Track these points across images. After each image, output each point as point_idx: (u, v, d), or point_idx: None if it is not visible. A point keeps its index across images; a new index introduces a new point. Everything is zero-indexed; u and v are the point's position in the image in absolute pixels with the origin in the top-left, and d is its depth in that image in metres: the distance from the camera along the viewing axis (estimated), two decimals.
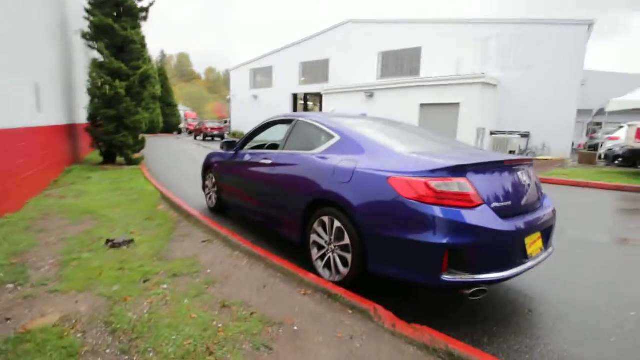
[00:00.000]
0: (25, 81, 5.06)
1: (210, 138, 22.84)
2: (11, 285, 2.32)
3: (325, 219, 2.62)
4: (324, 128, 2.97)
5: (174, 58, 75.87)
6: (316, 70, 22.18)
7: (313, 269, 2.74)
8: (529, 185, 2.44)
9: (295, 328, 1.99)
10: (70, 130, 7.65)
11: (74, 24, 8.07)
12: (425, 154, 2.39)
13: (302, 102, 25.25)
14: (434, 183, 2.04)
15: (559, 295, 2.66)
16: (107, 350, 1.71)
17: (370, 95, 16.87)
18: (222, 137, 23.30)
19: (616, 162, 10.34)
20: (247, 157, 3.82)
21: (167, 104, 28.97)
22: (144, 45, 8.23)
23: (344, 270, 2.50)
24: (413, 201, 2.06)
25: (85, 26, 7.66)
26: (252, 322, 2.00)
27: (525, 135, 14.16)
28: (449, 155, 2.39)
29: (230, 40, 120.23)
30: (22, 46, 4.88)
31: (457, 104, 13.89)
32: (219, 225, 3.84)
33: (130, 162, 8.44)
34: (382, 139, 2.67)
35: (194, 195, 5.56)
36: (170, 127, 29.27)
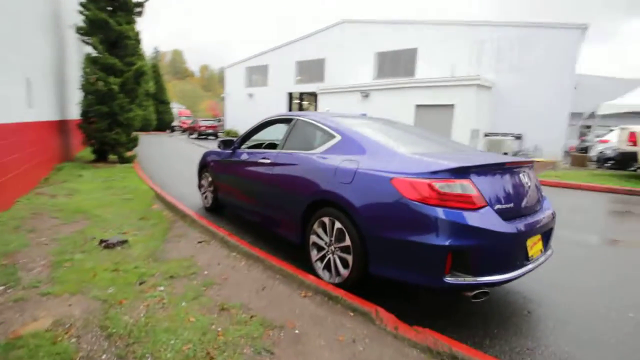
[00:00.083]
0: (17, 76, 4.92)
1: (204, 136, 22.64)
2: (1, 288, 2.24)
3: (326, 219, 2.58)
4: (325, 128, 2.93)
5: (167, 55, 75.01)
6: (312, 69, 22.13)
7: (312, 271, 2.70)
8: (529, 187, 2.44)
9: (297, 331, 1.95)
10: (61, 126, 7.49)
11: (67, 18, 7.90)
12: (427, 155, 2.38)
13: (298, 102, 25.16)
14: (437, 184, 2.02)
15: (556, 296, 2.67)
16: (103, 356, 1.65)
17: (365, 95, 16.88)
18: (216, 136, 23.12)
19: (607, 164, 10.50)
20: (245, 156, 3.77)
21: (160, 101, 28.65)
22: (138, 41, 8.09)
23: (344, 272, 2.47)
24: (416, 202, 2.04)
25: (79, 20, 7.50)
26: (252, 326, 1.96)
27: (518, 137, 14.31)
28: (451, 157, 2.37)
29: (225, 38, 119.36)
30: (13, 40, 4.75)
31: (452, 106, 13.98)
32: (216, 225, 3.78)
33: (123, 160, 8.31)
34: (384, 139, 2.65)
35: (188, 194, 5.49)
36: (163, 125, 28.95)
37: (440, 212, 1.98)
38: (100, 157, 8.35)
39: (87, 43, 7.54)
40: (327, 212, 2.57)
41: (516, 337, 2.12)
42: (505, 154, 12.76)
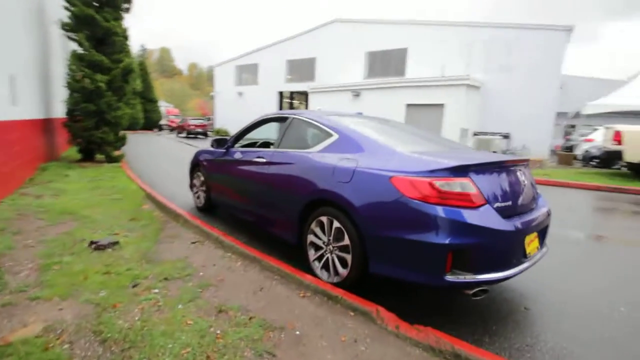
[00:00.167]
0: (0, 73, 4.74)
1: (193, 135, 22.33)
2: None
3: (324, 219, 2.56)
4: (322, 126, 2.90)
5: (155, 52, 73.64)
6: (302, 68, 22.03)
7: (310, 270, 2.67)
8: (526, 185, 2.46)
9: (297, 332, 1.92)
10: (46, 125, 7.25)
11: (52, 14, 7.64)
12: (426, 153, 2.37)
13: (288, 101, 25.03)
14: (438, 183, 2.02)
15: (550, 292, 2.70)
16: None
17: (357, 94, 16.90)
18: (206, 135, 22.84)
19: (592, 163, 10.77)
20: (239, 155, 3.71)
21: (148, 99, 28.14)
22: (126, 38, 7.88)
23: (342, 272, 2.45)
24: (417, 201, 2.03)
25: (64, 16, 7.27)
26: (251, 328, 1.92)
27: (506, 137, 14.55)
28: (450, 155, 2.37)
29: (214, 36, 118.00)
30: None
31: (442, 105, 14.12)
32: (209, 225, 3.72)
33: (111, 159, 8.10)
34: (382, 138, 2.64)
35: (179, 194, 5.38)
36: (151, 123, 28.46)
37: (441, 211, 1.97)
38: (87, 156, 8.13)
39: (73, 39, 7.31)
40: (325, 212, 2.55)
41: (515, 334, 2.14)
42: (494, 152, 12.96)
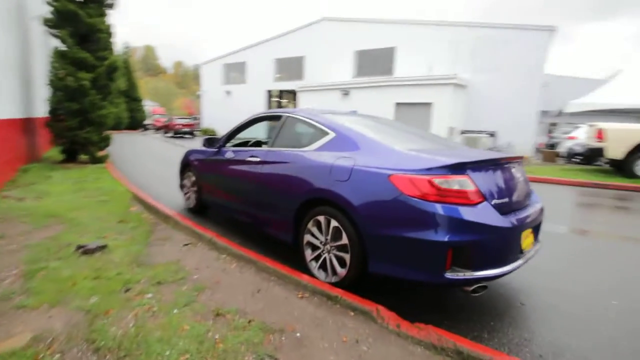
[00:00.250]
0: None
1: (180, 135, 21.95)
2: None
3: (321, 218, 2.53)
4: (317, 124, 2.87)
5: (139, 50, 71.92)
6: (291, 67, 21.92)
7: (307, 270, 2.64)
8: (520, 181, 2.49)
9: (298, 334, 1.89)
10: (27, 125, 6.97)
11: (33, 10, 7.34)
12: (423, 151, 2.37)
13: (277, 99, 24.87)
14: (437, 180, 2.01)
15: (544, 286, 2.75)
16: None
17: (346, 93, 16.93)
18: (193, 134, 22.50)
19: (575, 159, 11.08)
20: (232, 155, 3.64)
21: (133, 98, 27.52)
22: (110, 35, 7.65)
23: (341, 271, 2.43)
24: (417, 199, 2.02)
25: (46, 12, 6.98)
26: (251, 331, 1.87)
27: (492, 135, 14.83)
28: (447, 153, 2.38)
29: (200, 34, 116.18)
30: None
31: (430, 104, 14.29)
32: (201, 226, 3.64)
33: (95, 160, 7.87)
34: (378, 136, 2.62)
35: (168, 195, 5.26)
36: (136, 123, 27.84)
37: (440, 209, 1.97)
38: (70, 157, 7.86)
39: (56, 36, 7.05)
40: (323, 211, 2.52)
41: (512, 329, 2.16)
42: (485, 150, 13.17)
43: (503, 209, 2.16)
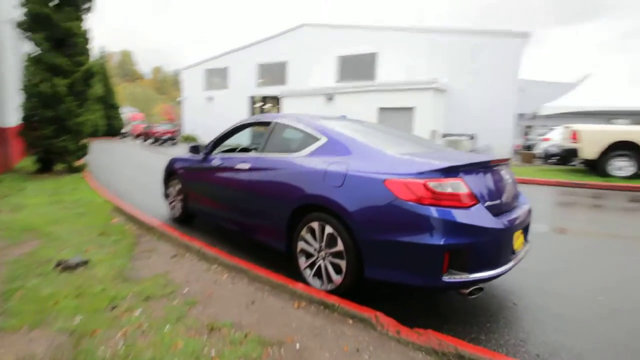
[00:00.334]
0: None
1: (160, 142, 21.43)
2: None
3: (315, 225, 2.49)
4: (308, 130, 2.84)
5: (115, 55, 69.97)
6: (274, 72, 21.86)
7: (301, 279, 2.59)
8: (509, 183, 2.54)
9: (297, 346, 1.84)
10: None
11: (3, 13, 7.00)
12: (416, 155, 2.39)
13: (260, 105, 24.71)
14: (432, 184, 2.02)
15: (533, 285, 2.81)
16: None
17: (330, 98, 17.01)
18: (174, 141, 22.01)
19: (551, 160, 11.52)
20: (219, 162, 3.55)
21: (110, 105, 26.73)
22: (87, 39, 7.39)
23: (336, 278, 2.40)
24: (412, 203, 2.02)
25: (18, 15, 6.66)
26: (248, 345, 1.81)
27: (472, 137, 15.25)
28: (439, 156, 2.40)
29: (178, 39, 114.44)
30: None
31: (412, 108, 14.56)
32: (188, 236, 3.52)
33: (72, 169, 7.54)
34: (370, 140, 2.62)
35: (150, 205, 5.09)
36: (113, 130, 27.03)
37: (436, 212, 1.98)
38: (45, 167, 7.50)
39: (30, 40, 6.73)
40: (316, 217, 2.49)
41: (507, 329, 2.18)
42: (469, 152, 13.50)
43: (495, 211, 2.20)
